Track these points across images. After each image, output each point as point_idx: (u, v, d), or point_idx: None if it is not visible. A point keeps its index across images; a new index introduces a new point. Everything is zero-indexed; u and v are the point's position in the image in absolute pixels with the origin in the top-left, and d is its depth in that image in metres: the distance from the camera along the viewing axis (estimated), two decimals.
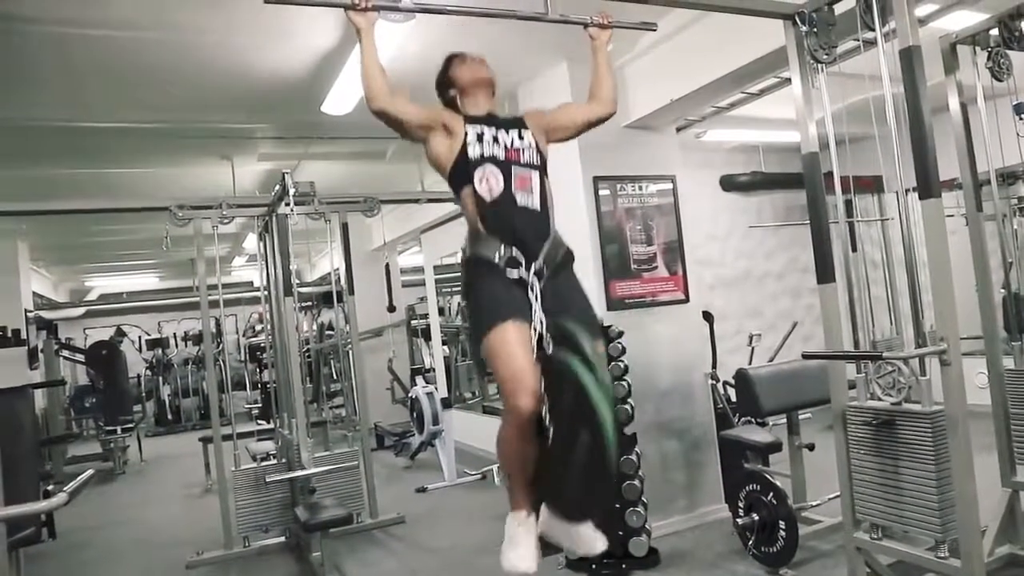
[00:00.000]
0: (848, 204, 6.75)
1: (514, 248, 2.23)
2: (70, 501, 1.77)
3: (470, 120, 2.36)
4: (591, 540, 2.20)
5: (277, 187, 4.56)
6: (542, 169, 2.38)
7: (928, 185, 2.43)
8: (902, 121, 2.53)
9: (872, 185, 5.80)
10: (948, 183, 3.70)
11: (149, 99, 4.52)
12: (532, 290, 2.21)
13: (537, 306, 2.21)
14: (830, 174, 2.94)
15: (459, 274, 2.40)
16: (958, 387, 2.41)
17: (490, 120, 2.39)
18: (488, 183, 2.27)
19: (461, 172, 2.30)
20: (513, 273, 2.22)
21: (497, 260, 2.22)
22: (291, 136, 5.61)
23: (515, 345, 2.12)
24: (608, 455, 2.02)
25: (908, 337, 2.99)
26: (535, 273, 2.23)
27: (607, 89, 2.57)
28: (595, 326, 2.33)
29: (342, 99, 4.49)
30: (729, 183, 7.40)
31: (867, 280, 7.25)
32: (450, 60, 2.52)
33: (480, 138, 2.31)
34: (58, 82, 4.15)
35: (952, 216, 4.03)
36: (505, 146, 2.33)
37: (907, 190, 2.63)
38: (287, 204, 4.29)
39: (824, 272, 2.88)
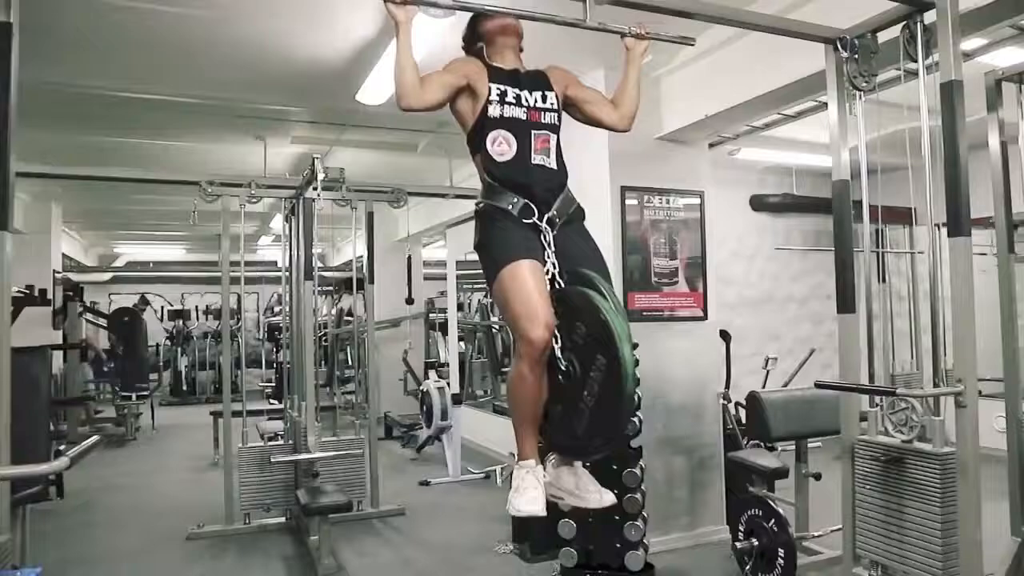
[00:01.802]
0: (879, 234, 6.71)
1: (526, 200, 2.26)
2: (72, 466, 1.79)
3: (495, 76, 2.34)
4: (598, 493, 2.26)
5: (307, 171, 4.60)
6: (559, 128, 2.40)
7: (958, 222, 2.39)
8: (937, 155, 2.49)
9: (905, 217, 5.72)
10: (982, 221, 3.63)
11: (189, 74, 4.58)
12: (544, 236, 2.26)
13: (550, 250, 2.25)
14: (861, 202, 2.90)
15: (474, 227, 2.38)
16: (972, 430, 2.36)
17: (515, 78, 2.38)
18: (500, 146, 2.28)
19: (480, 133, 2.31)
20: (526, 220, 2.26)
21: (510, 208, 2.25)
22: (324, 122, 5.65)
23: (529, 280, 2.14)
24: (625, 382, 2.02)
25: (927, 374, 2.95)
26: (548, 221, 2.27)
27: (628, 105, 2.54)
28: (606, 273, 2.32)
29: (377, 89, 4.51)
30: (759, 203, 7.35)
31: (891, 313, 7.20)
32: (475, 16, 2.50)
33: (503, 97, 2.31)
34: (104, 51, 4.20)
35: (984, 255, 3.95)
36: (528, 106, 2.33)
37: (937, 225, 2.59)
38: (315, 189, 4.32)
39: (845, 301, 2.84)
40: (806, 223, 7.60)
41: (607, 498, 2.28)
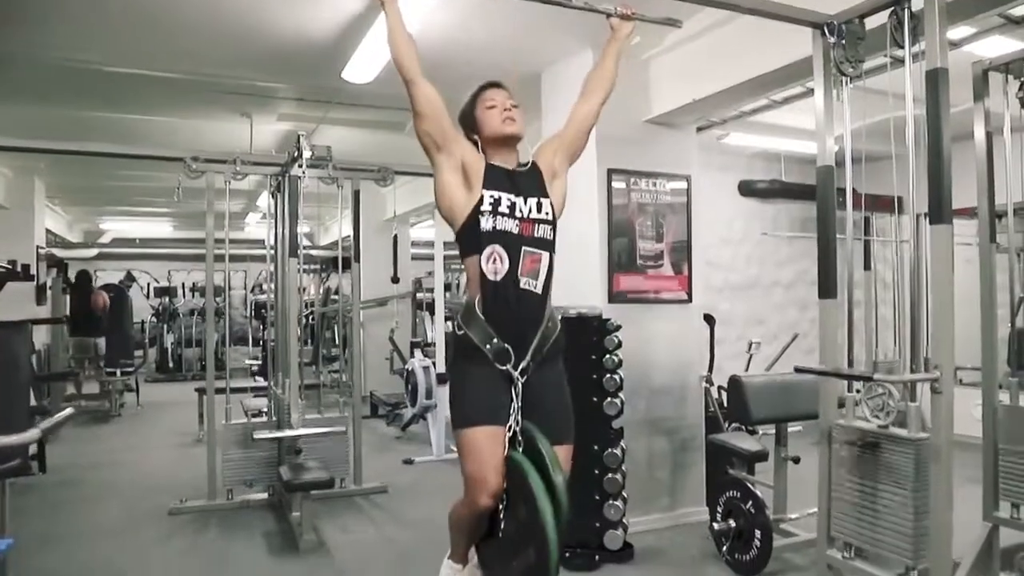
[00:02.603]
0: (866, 222, 6.74)
1: (505, 343, 2.22)
2: (43, 437, 1.79)
3: (490, 179, 2.25)
4: None
5: (293, 148, 4.56)
6: (552, 244, 2.33)
7: (940, 210, 2.41)
8: (922, 144, 2.50)
9: (890, 206, 5.74)
10: (967, 211, 3.66)
11: (174, 49, 4.52)
12: (515, 387, 2.24)
13: (517, 404, 2.24)
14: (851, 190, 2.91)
15: (448, 345, 2.43)
16: (947, 416, 2.39)
17: (511, 180, 2.28)
18: (495, 264, 2.21)
19: (470, 240, 2.24)
20: (501, 368, 2.23)
21: (487, 350, 2.22)
22: (311, 99, 5.60)
23: (484, 449, 2.18)
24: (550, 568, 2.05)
25: (908, 361, 2.97)
26: (521, 371, 2.24)
27: (609, 68, 2.50)
28: (567, 427, 2.34)
29: (363, 67, 4.46)
30: (747, 188, 7.36)
31: (876, 300, 7.25)
32: (478, 96, 2.40)
33: (496, 207, 2.21)
34: (89, 25, 4.14)
35: (969, 245, 3.99)
36: (520, 218, 2.24)
37: (920, 215, 2.60)
38: (300, 166, 4.29)
39: (826, 287, 2.86)
40: (793, 209, 7.63)
41: None
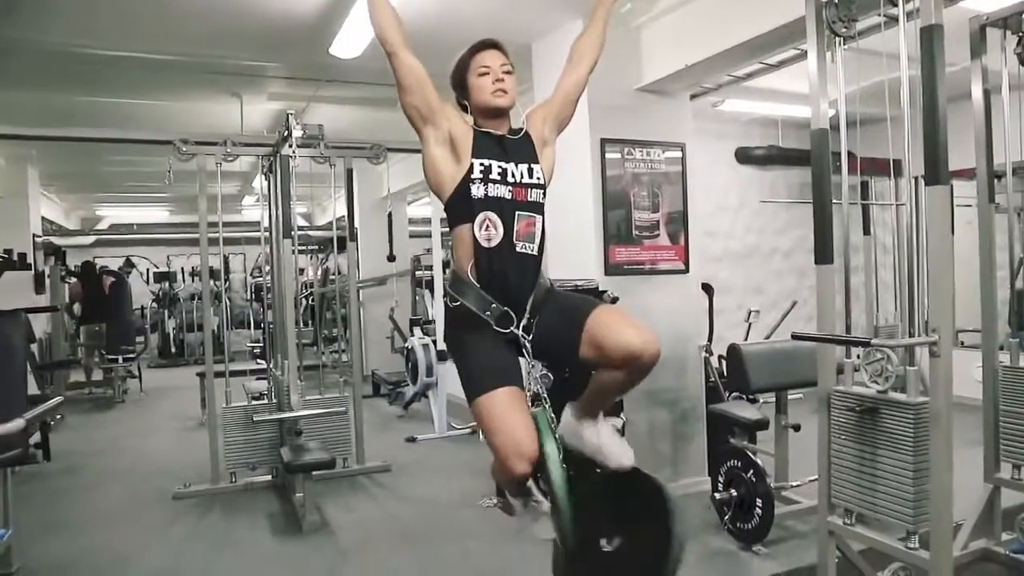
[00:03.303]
0: (864, 186, 6.68)
1: (504, 307, 2.14)
2: (28, 427, 1.77)
3: (479, 147, 2.18)
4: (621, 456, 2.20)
5: (283, 128, 4.51)
6: (543, 208, 2.25)
7: (936, 170, 2.36)
8: (917, 104, 2.45)
9: (888, 168, 5.70)
10: (965, 172, 3.61)
11: (160, 29, 4.46)
12: (524, 348, 2.15)
13: (530, 361, 2.16)
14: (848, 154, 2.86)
15: (445, 320, 2.30)
16: (945, 379, 2.36)
17: (501, 146, 2.21)
18: (488, 230, 2.13)
19: (461, 208, 2.16)
20: (503, 332, 2.15)
21: (487, 316, 2.14)
22: (301, 77, 5.53)
23: (505, 412, 2.05)
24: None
25: (906, 325, 2.95)
26: (524, 328, 2.16)
27: (596, 33, 2.41)
28: (587, 306, 2.16)
29: (350, 42, 4.40)
30: (744, 156, 7.29)
31: (876, 265, 7.21)
32: (471, 58, 2.27)
33: (486, 174, 2.14)
34: (74, 7, 4.09)
35: (968, 206, 3.93)
36: (513, 183, 2.17)
37: (917, 177, 2.56)
38: (290, 146, 4.24)
39: (822, 252, 2.82)
40: (791, 176, 7.56)
41: (626, 459, 2.20)
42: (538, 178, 2.23)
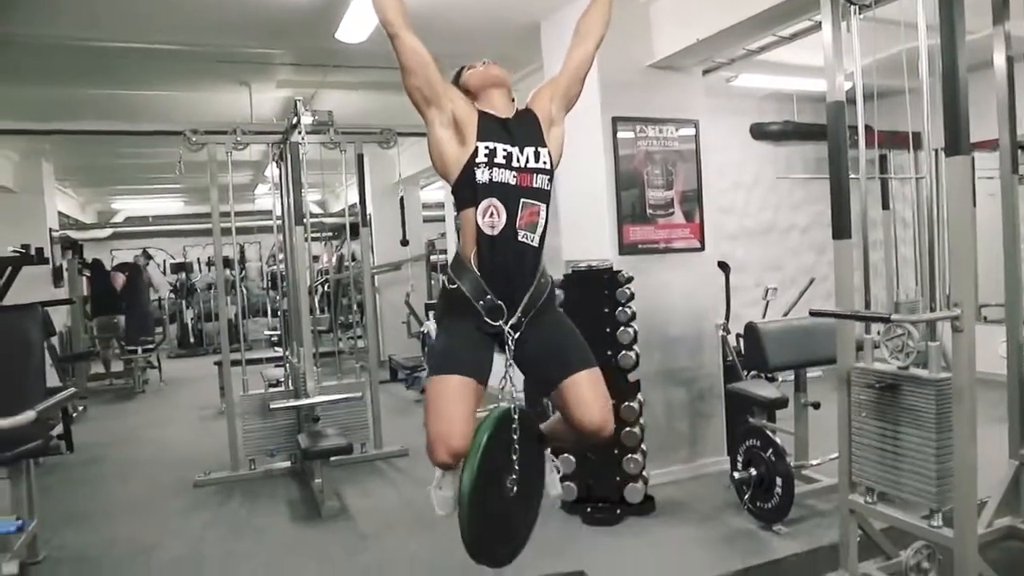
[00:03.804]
0: (883, 160, 6.57)
1: (499, 300, 2.15)
2: (38, 419, 1.78)
3: (484, 129, 2.16)
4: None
5: (292, 115, 4.50)
6: (549, 195, 2.24)
7: (956, 140, 2.30)
8: (937, 74, 2.38)
9: (907, 142, 5.59)
10: (988, 143, 3.52)
11: (165, 19, 4.44)
12: (507, 343, 2.18)
13: (509, 358, 2.19)
14: (866, 127, 2.80)
15: (439, 294, 2.36)
16: (968, 355, 2.31)
17: (505, 129, 2.19)
18: (492, 217, 2.12)
19: (466, 193, 2.15)
20: (492, 326, 2.16)
21: (480, 307, 2.15)
22: (308, 63, 5.50)
23: (451, 400, 2.07)
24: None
25: (927, 300, 2.89)
26: (512, 326, 2.17)
27: (602, 7, 2.38)
28: (582, 354, 2.25)
29: (356, 27, 4.36)
30: (759, 131, 7.17)
31: (896, 240, 7.10)
32: (460, 71, 2.36)
33: (491, 158, 2.12)
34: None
35: (991, 178, 3.84)
36: (518, 168, 2.15)
37: (937, 149, 2.50)
38: (299, 133, 4.22)
39: (840, 227, 2.76)
40: (807, 151, 7.45)
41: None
42: (544, 162, 2.21)
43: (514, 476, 2.17)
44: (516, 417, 2.16)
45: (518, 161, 2.15)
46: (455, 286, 2.18)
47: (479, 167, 2.12)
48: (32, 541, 3.58)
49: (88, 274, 9.56)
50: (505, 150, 2.15)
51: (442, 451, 2.03)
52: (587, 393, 2.16)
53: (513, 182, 2.14)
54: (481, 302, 2.14)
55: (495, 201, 2.12)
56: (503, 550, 2.27)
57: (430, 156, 2.25)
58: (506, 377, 2.22)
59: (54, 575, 3.52)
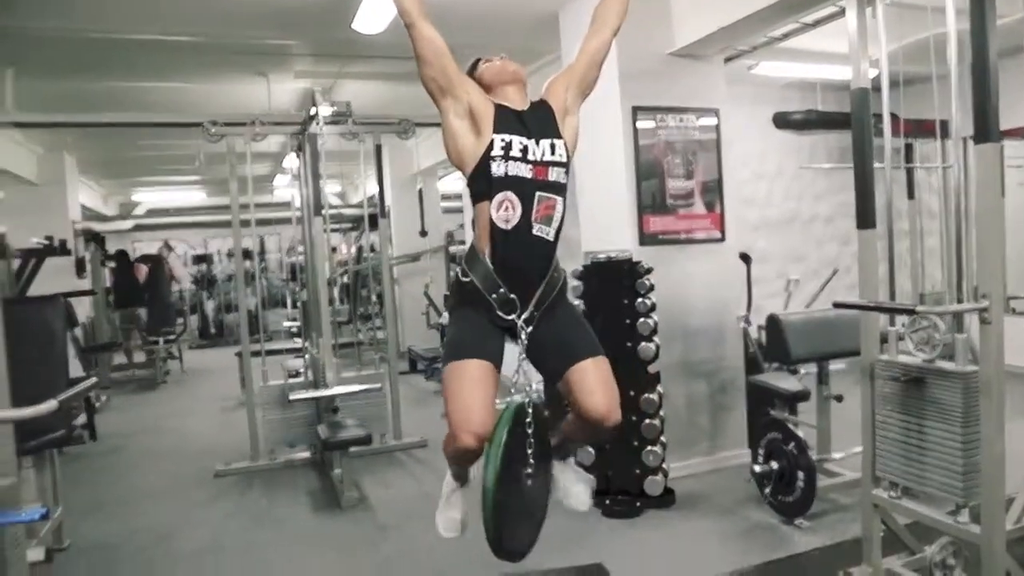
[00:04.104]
0: (908, 149, 6.46)
1: (512, 294, 2.12)
2: (60, 408, 1.79)
3: (500, 121, 2.13)
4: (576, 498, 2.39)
5: (310, 106, 4.50)
6: (565, 188, 2.20)
7: (986, 128, 2.24)
8: (965, 60, 2.32)
9: (933, 129, 5.49)
10: (1017, 132, 3.44)
11: (182, 11, 4.44)
12: (520, 337, 2.14)
13: (522, 351, 2.16)
14: (891, 116, 2.74)
15: (451, 285, 2.33)
16: (997, 347, 2.26)
17: (521, 121, 2.17)
18: (507, 211, 2.09)
19: (481, 186, 2.12)
20: (504, 319, 2.13)
21: (493, 300, 2.12)
22: (326, 54, 5.49)
23: (470, 383, 2.04)
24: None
25: (954, 291, 2.84)
26: (526, 320, 2.14)
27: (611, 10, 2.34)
28: (588, 343, 2.21)
29: (372, 17, 4.34)
30: (782, 120, 7.07)
31: (921, 230, 6.99)
32: (475, 63, 2.33)
33: (507, 152, 2.10)
34: None
35: (1021, 167, 3.76)
36: (534, 161, 2.12)
37: (965, 138, 2.44)
38: (317, 123, 4.21)
39: (865, 217, 2.71)
40: (831, 140, 7.33)
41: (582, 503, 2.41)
42: (560, 155, 2.19)
43: (529, 469, 2.15)
44: (530, 411, 2.14)
45: (534, 154, 2.13)
46: (468, 279, 2.16)
47: (495, 160, 2.09)
48: (57, 528, 3.63)
49: (112, 265, 9.66)
50: (521, 143, 2.12)
51: (465, 436, 1.99)
52: (592, 381, 2.13)
53: (529, 176, 2.11)
54: (494, 295, 2.12)
55: (510, 195, 2.09)
56: (523, 543, 2.26)
57: (445, 147, 2.23)
58: (519, 370, 2.18)
59: (79, 562, 3.56)
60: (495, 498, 2.04)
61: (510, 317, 2.13)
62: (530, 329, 2.16)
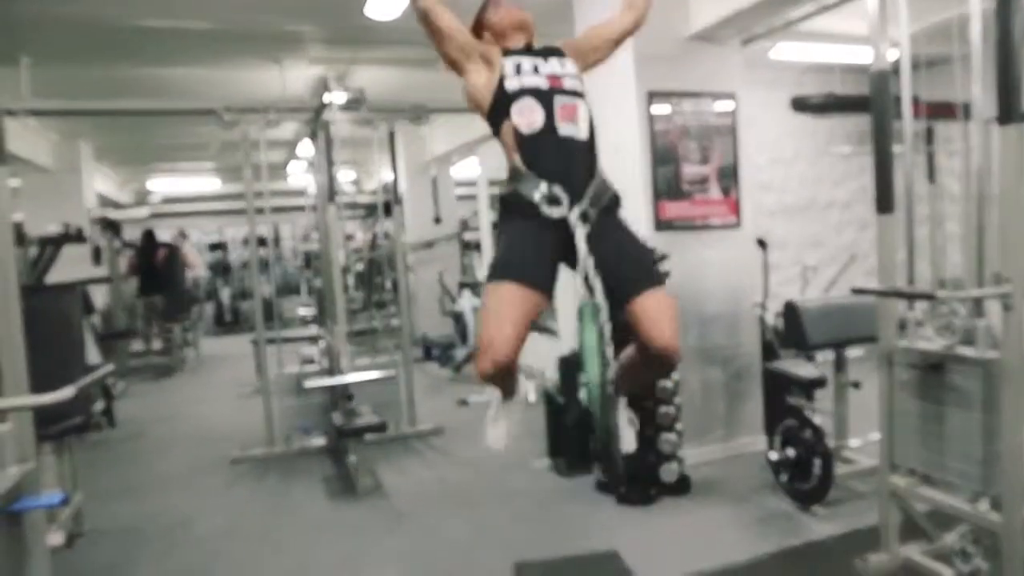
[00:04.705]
0: (929, 132, 6.37)
1: (556, 186, 2.04)
2: (78, 395, 1.80)
3: (509, 53, 2.18)
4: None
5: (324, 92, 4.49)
6: (584, 95, 2.17)
7: (1009, 108, 2.19)
8: (990, 41, 2.27)
9: (954, 112, 5.40)
10: None
11: None
12: (576, 233, 2.03)
13: (584, 248, 2.03)
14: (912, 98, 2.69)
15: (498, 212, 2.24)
16: (1019, 333, 2.22)
17: (528, 51, 2.21)
18: (528, 116, 2.07)
19: (499, 107, 2.12)
20: (553, 212, 2.03)
21: (537, 199, 2.03)
22: (340, 40, 5.47)
23: (502, 307, 1.98)
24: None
25: (975, 276, 2.79)
26: (581, 215, 2.04)
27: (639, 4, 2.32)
28: (647, 272, 2.12)
29: (385, 3, 4.31)
30: (801, 104, 6.99)
31: (942, 215, 6.90)
32: (484, 7, 2.33)
33: (519, 69, 2.12)
34: None
35: None
36: (547, 75, 2.13)
37: (988, 120, 2.39)
38: (331, 110, 4.20)
39: (884, 201, 2.68)
40: (849, 124, 7.23)
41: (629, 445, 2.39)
42: (571, 69, 2.19)
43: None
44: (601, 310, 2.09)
45: (544, 69, 2.15)
46: (511, 189, 2.11)
47: (508, 78, 2.12)
48: (77, 514, 3.68)
49: (136, 248, 9.72)
50: (531, 62, 2.16)
51: (484, 360, 1.95)
52: (659, 310, 2.03)
53: (546, 86, 2.12)
54: (537, 194, 2.04)
55: (528, 100, 2.09)
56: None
57: (467, 102, 2.23)
58: (582, 269, 2.05)
59: (98, 546, 3.60)
60: (603, 398, 2.02)
61: (559, 213, 2.04)
62: (587, 228, 2.05)
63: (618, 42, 2.33)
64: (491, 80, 2.14)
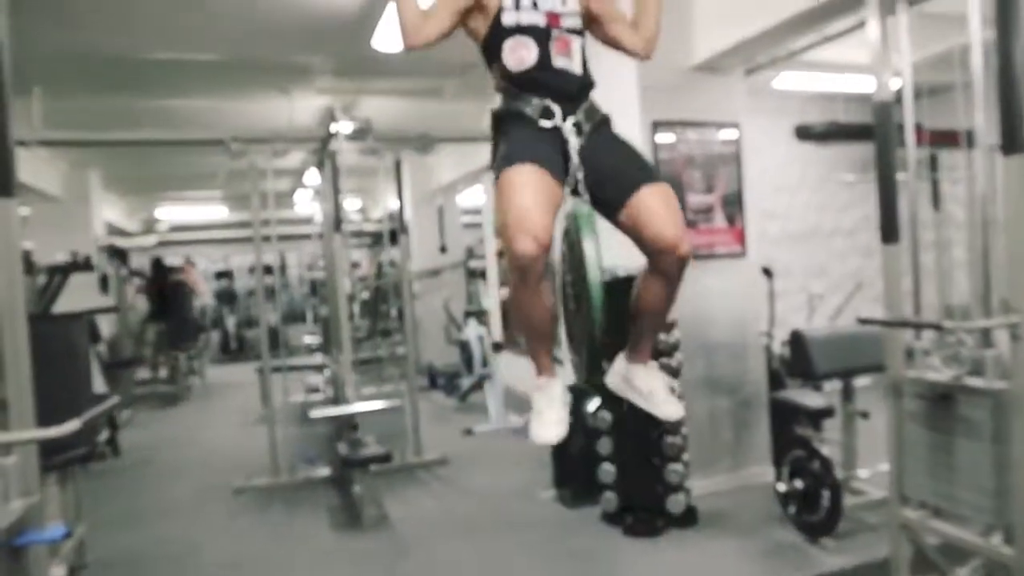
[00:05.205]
0: (933, 160, 6.38)
1: (548, 101, 1.99)
2: (83, 427, 1.79)
3: None
4: (668, 404, 2.14)
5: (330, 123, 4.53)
6: (583, 34, 2.11)
7: (1013, 138, 2.20)
8: (992, 67, 2.28)
9: (958, 140, 5.41)
10: None
11: (207, 30, 4.51)
12: (568, 143, 1.97)
13: (576, 160, 1.96)
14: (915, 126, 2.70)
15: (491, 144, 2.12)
16: None
17: None
18: (520, 52, 2.02)
19: (493, 42, 2.06)
20: (546, 123, 1.98)
21: (528, 111, 1.99)
22: (347, 71, 5.54)
23: (526, 185, 1.85)
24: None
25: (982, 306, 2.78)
26: (574, 124, 1.98)
27: (650, 27, 2.23)
28: (644, 170, 2.03)
29: (391, 36, 4.37)
30: (804, 132, 7.02)
31: (947, 244, 6.89)
32: None
33: (518, 3, 2.04)
34: (122, 12, 4.16)
35: None
36: (546, 10, 2.06)
37: (992, 147, 2.40)
38: (337, 140, 4.24)
39: (888, 231, 2.67)
40: (854, 152, 7.25)
41: (673, 411, 2.14)
42: (572, 8, 2.09)
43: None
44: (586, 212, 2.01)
45: (544, 5, 2.06)
46: (502, 107, 2.06)
47: (506, 10, 2.04)
48: (80, 545, 3.65)
49: (147, 277, 9.77)
50: None
51: (523, 239, 1.78)
52: (655, 203, 1.92)
53: (543, 24, 2.05)
54: (529, 108, 1.99)
55: (521, 37, 2.03)
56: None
57: (470, 36, 2.13)
58: (573, 176, 1.97)
59: None
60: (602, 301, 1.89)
61: (552, 123, 1.99)
62: (580, 140, 1.99)
63: (612, 43, 2.24)
64: (489, 14, 2.06)
